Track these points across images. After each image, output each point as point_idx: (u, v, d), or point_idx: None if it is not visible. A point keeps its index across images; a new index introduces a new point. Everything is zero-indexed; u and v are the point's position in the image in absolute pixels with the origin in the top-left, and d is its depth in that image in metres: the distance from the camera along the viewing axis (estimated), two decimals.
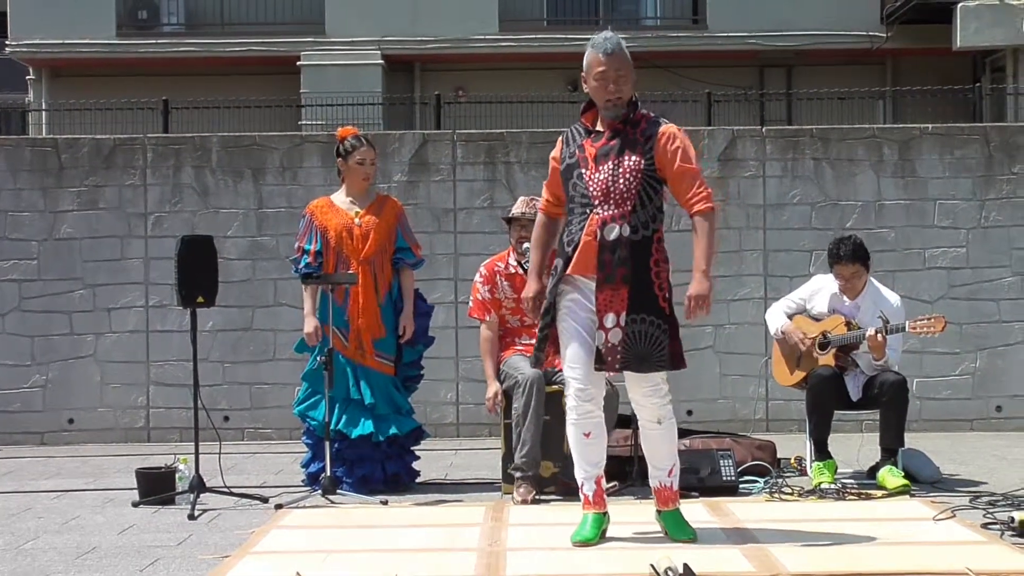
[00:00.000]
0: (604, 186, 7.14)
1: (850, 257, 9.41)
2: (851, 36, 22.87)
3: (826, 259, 9.65)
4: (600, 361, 7.16)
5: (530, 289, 7.50)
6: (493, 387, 9.17)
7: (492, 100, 18.63)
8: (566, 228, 7.33)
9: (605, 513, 7.39)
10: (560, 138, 7.46)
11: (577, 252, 7.17)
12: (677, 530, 7.29)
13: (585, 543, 7.20)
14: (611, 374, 7.44)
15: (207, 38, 23.43)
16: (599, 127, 7.30)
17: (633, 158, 7.15)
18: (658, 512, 7.42)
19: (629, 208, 7.13)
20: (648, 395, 7.24)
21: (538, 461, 8.79)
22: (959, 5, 21.33)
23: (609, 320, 7.11)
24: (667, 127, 7.24)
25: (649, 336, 7.12)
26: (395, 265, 9.42)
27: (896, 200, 12.83)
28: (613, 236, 7.11)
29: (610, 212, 7.12)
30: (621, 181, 7.13)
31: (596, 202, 7.14)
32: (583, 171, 7.19)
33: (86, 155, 12.92)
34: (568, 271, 7.21)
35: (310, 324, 9.24)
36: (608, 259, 7.10)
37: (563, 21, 23.79)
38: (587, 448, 7.37)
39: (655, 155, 7.16)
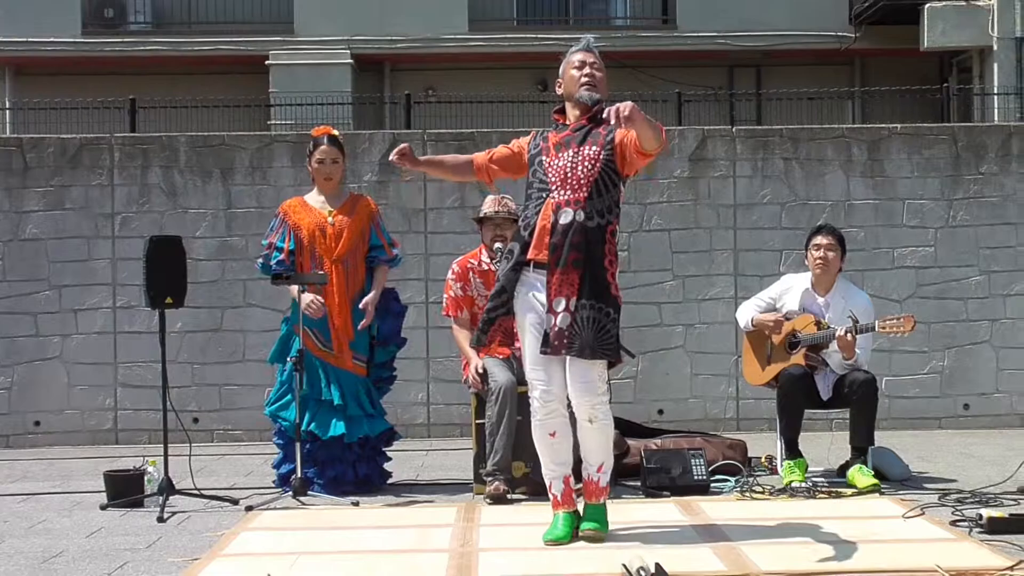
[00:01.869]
0: (563, 172, 7.27)
1: (830, 231, 9.49)
2: (820, 36, 22.94)
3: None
4: (546, 344, 7.24)
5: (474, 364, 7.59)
6: (475, 361, 9.16)
7: (462, 100, 18.62)
8: (522, 213, 7.46)
9: (576, 512, 7.46)
10: (534, 131, 7.60)
11: (534, 236, 7.26)
12: (587, 521, 7.37)
13: (557, 542, 7.25)
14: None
15: (174, 37, 23.36)
16: (567, 123, 7.44)
17: (593, 148, 7.29)
18: (576, 513, 7.50)
19: (585, 195, 7.23)
20: (583, 391, 7.29)
21: (509, 467, 8.83)
22: (926, 6, 21.42)
23: (559, 304, 7.18)
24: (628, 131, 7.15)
25: (598, 323, 7.20)
26: (370, 264, 9.41)
27: (865, 200, 12.88)
28: (567, 220, 7.20)
29: (566, 197, 7.24)
30: (580, 168, 7.26)
31: (553, 187, 7.27)
32: (544, 158, 7.34)
33: (52, 155, 12.86)
34: (527, 256, 7.28)
35: (306, 298, 9.18)
36: (560, 242, 7.19)
37: (533, 21, 23.81)
38: (553, 448, 7.47)
39: (615, 146, 7.27)
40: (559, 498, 7.46)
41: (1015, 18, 21.20)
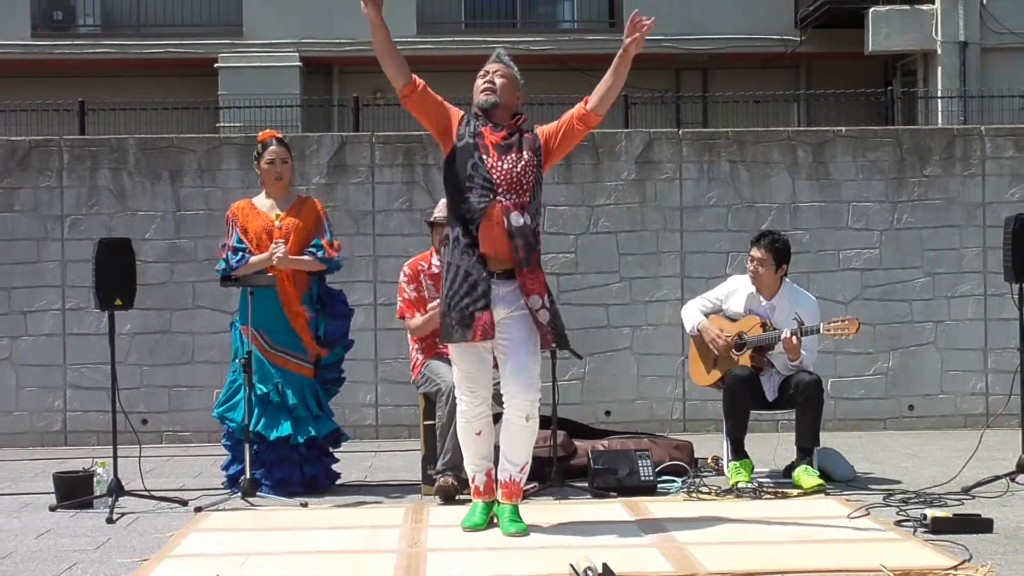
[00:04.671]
0: (508, 176, 7.58)
1: (767, 247, 9.52)
2: (766, 40, 23.02)
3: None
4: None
5: None
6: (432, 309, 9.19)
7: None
8: (461, 204, 7.61)
9: (494, 501, 7.77)
10: (462, 113, 7.81)
11: (481, 232, 7.52)
12: (512, 524, 7.57)
13: (474, 528, 7.65)
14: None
15: (123, 39, 23.24)
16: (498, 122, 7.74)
17: (528, 154, 7.65)
18: (496, 503, 7.76)
19: (527, 199, 7.58)
20: (526, 389, 7.59)
21: (460, 466, 8.83)
22: (871, 10, 21.53)
23: (536, 302, 7.57)
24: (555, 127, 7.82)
25: (558, 315, 7.73)
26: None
27: (811, 202, 12.93)
28: (519, 223, 7.53)
29: (512, 200, 7.55)
30: (523, 174, 7.61)
31: (500, 190, 7.55)
32: (484, 156, 7.59)
33: (1, 157, 12.78)
34: (481, 249, 7.53)
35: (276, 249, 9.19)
36: (520, 244, 7.53)
37: (481, 24, 23.80)
38: (479, 444, 7.84)
39: (541, 150, 7.72)
40: (481, 489, 7.85)
41: (959, 22, 21.33)
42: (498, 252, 7.53)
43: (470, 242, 7.54)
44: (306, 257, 9.28)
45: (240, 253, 9.26)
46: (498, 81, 7.72)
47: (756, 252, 9.57)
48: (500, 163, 7.57)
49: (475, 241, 7.53)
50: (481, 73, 7.78)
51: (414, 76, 7.69)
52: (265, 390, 9.21)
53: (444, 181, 7.84)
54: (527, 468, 7.77)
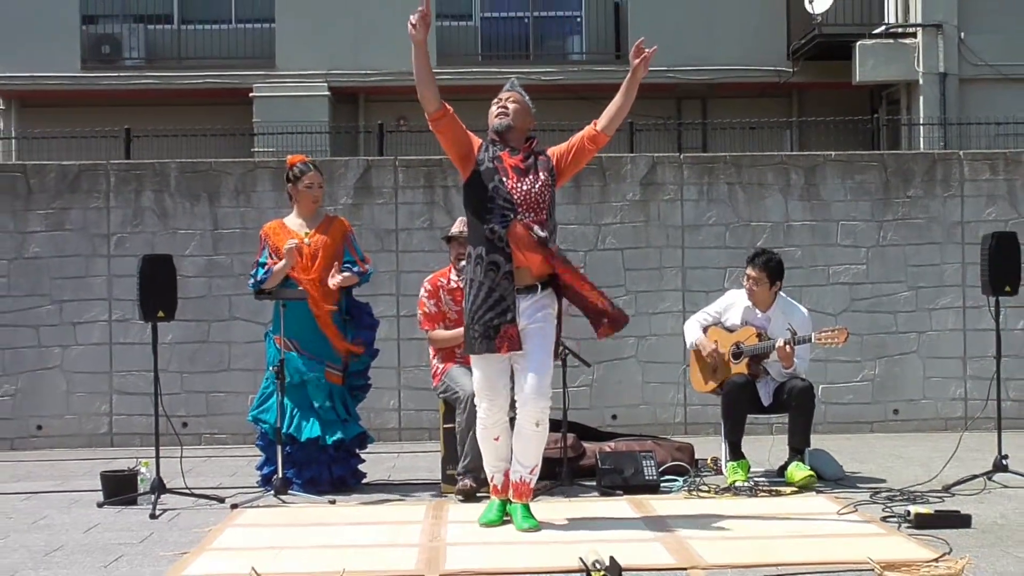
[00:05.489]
0: (527, 196, 7.59)
1: (761, 266, 9.50)
2: (760, 71, 23.00)
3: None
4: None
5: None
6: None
7: (430, 129, 18.59)
8: (483, 225, 7.59)
9: (508, 500, 7.77)
10: (480, 140, 7.81)
11: (518, 249, 7.52)
12: (525, 521, 7.58)
13: (489, 524, 7.65)
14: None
15: (166, 71, 23.29)
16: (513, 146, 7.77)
17: (544, 175, 7.67)
18: (509, 502, 7.77)
19: (545, 216, 7.61)
20: (539, 397, 7.61)
21: (479, 468, 8.82)
22: (858, 43, 21.51)
23: (571, 308, 7.88)
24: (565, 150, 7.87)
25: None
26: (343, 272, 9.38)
27: (802, 221, 12.92)
28: (543, 234, 7.55)
29: (531, 219, 7.55)
30: (539, 193, 7.62)
31: (520, 209, 7.56)
32: (504, 179, 7.60)
33: (53, 180, 12.81)
34: (517, 264, 7.55)
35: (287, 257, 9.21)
36: (552, 251, 7.57)
37: (495, 56, 23.80)
38: (497, 448, 7.83)
39: (555, 170, 7.75)
40: (499, 487, 7.84)
41: (939, 55, 21.31)
42: (531, 262, 7.56)
43: (495, 260, 7.52)
44: (348, 275, 9.30)
45: (264, 268, 9.29)
46: (511, 106, 7.75)
47: (751, 271, 9.56)
48: (520, 184, 7.58)
49: (501, 259, 7.51)
50: (495, 100, 7.81)
51: (444, 102, 7.68)
52: (298, 380, 9.20)
53: (465, 203, 7.82)
54: (537, 470, 7.78)
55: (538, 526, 7.53)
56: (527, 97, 7.86)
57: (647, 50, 7.68)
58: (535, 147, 7.77)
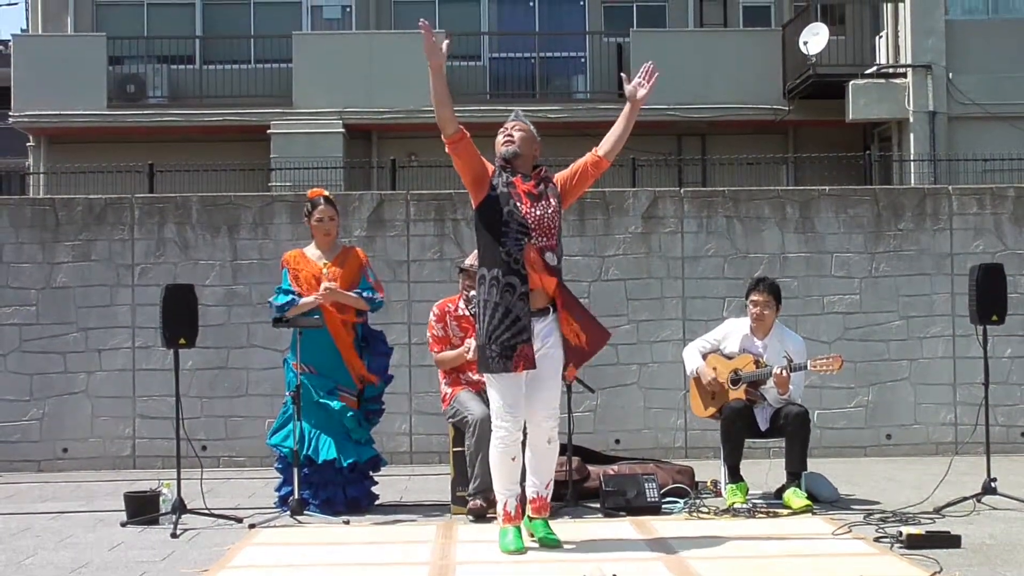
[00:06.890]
0: (540, 221, 7.58)
1: (767, 289, 9.52)
2: (758, 109, 23.09)
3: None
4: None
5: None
6: (469, 344, 9.14)
7: (441, 164, 18.43)
8: (499, 249, 7.56)
9: (529, 518, 7.76)
10: (493, 167, 7.79)
11: (534, 271, 7.52)
12: (546, 536, 7.58)
13: (517, 552, 7.37)
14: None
15: (188, 109, 23.40)
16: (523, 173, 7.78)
17: (553, 201, 7.69)
18: (529, 519, 7.75)
19: (555, 241, 7.63)
20: (551, 415, 7.69)
21: (489, 489, 8.80)
22: (851, 83, 21.59)
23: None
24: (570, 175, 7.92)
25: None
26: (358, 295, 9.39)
27: (798, 253, 12.92)
28: (554, 263, 7.59)
29: (544, 243, 7.57)
30: (551, 218, 7.64)
31: (533, 234, 7.56)
32: (518, 204, 7.59)
33: (80, 213, 12.84)
34: (531, 286, 7.52)
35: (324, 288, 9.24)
36: (559, 279, 7.60)
37: (503, 94, 23.90)
38: (512, 470, 7.67)
39: (560, 193, 7.78)
40: (512, 514, 7.63)
41: (928, 95, 21.38)
42: (546, 286, 7.57)
43: (511, 282, 7.49)
44: (351, 293, 9.31)
45: (290, 295, 9.30)
46: (516, 134, 7.74)
47: (758, 296, 9.55)
48: (534, 209, 7.57)
49: (517, 281, 7.49)
50: (501, 130, 7.81)
51: (461, 126, 7.69)
52: (315, 399, 9.20)
53: (478, 226, 7.73)
54: (551, 485, 7.79)
55: (559, 542, 7.50)
56: (531, 125, 7.87)
57: (650, 82, 7.86)
58: (544, 174, 7.78)
